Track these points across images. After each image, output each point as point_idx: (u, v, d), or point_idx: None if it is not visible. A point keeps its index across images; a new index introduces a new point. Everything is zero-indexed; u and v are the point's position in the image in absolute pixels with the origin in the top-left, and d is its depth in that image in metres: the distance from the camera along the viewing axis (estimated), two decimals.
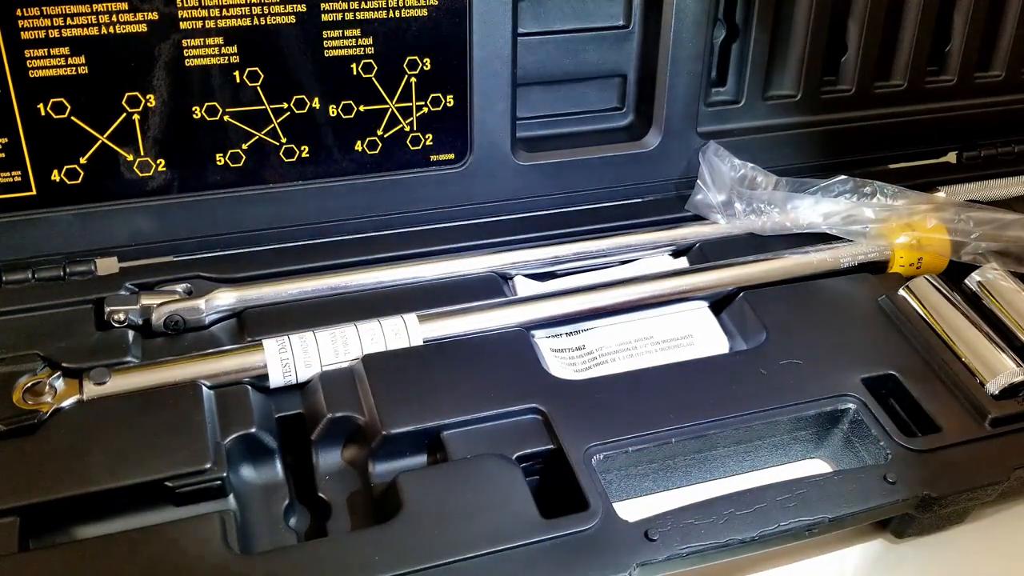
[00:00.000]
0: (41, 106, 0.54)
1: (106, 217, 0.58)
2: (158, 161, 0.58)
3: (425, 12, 0.59)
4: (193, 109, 0.57)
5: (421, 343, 0.55)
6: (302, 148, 0.61)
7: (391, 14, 0.59)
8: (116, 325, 0.55)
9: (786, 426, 0.54)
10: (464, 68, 0.61)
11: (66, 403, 0.49)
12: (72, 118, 0.55)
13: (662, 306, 0.61)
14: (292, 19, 0.57)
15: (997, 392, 0.55)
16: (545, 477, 0.51)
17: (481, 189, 0.66)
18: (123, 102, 0.56)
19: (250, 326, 0.56)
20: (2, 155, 0.55)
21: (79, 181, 0.57)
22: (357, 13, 0.58)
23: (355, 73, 0.60)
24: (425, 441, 0.50)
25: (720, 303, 0.62)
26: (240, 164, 0.60)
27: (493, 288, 0.61)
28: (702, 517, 0.47)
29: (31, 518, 0.45)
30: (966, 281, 0.63)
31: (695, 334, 0.61)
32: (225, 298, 0.57)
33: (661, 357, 0.59)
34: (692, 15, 0.65)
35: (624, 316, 0.60)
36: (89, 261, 0.58)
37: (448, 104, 0.62)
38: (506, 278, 0.63)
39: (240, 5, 0.56)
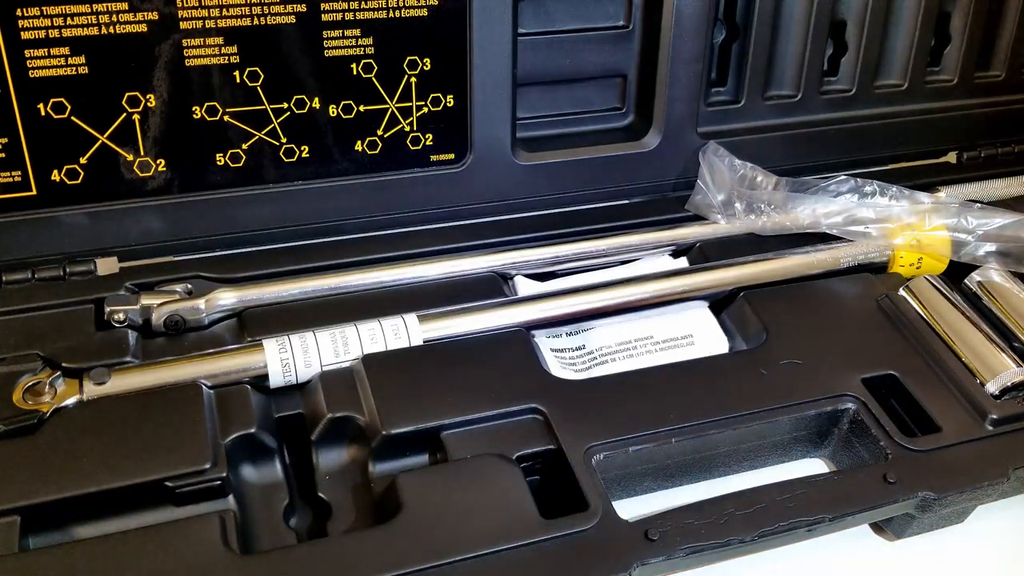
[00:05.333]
0: (41, 106, 0.54)
1: (106, 217, 0.58)
2: (158, 161, 0.58)
3: (425, 12, 0.59)
4: (193, 109, 0.57)
5: (421, 343, 0.55)
6: (302, 148, 0.61)
7: (391, 14, 0.59)
8: (116, 325, 0.55)
9: (786, 426, 0.54)
10: (464, 68, 0.61)
11: (66, 403, 0.49)
12: (72, 118, 0.55)
13: (662, 306, 0.61)
14: (292, 19, 0.57)
15: (997, 392, 0.55)
16: (545, 477, 0.51)
17: (481, 189, 0.66)
18: (123, 102, 0.56)
19: (250, 326, 0.56)
20: (2, 155, 0.55)
21: (79, 181, 0.57)
22: (357, 13, 0.58)
23: (355, 73, 0.60)
24: (425, 441, 0.50)
25: (720, 303, 0.62)
26: (240, 164, 0.60)
27: (493, 288, 0.61)
28: (702, 517, 0.47)
29: (31, 518, 0.45)
30: (966, 281, 0.63)
31: (695, 334, 0.61)
32: (225, 298, 0.57)
33: (661, 357, 0.59)
34: (692, 15, 0.65)
35: (624, 316, 0.60)
36: (89, 261, 0.58)
37: (448, 104, 0.62)
38: (506, 278, 0.63)
39: (240, 5, 0.56)
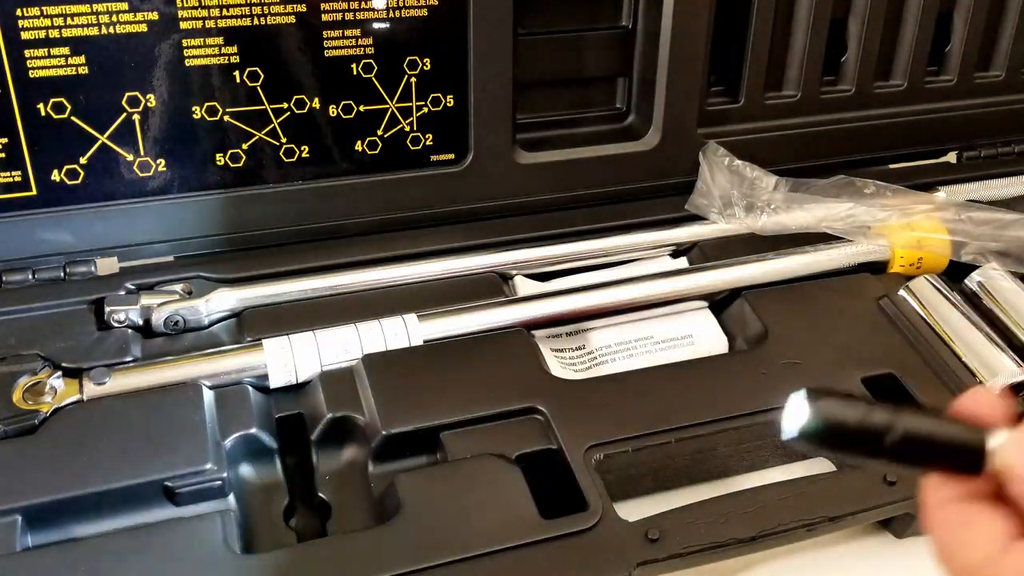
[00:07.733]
0: (41, 106, 0.54)
1: (106, 217, 0.58)
2: (158, 161, 0.58)
3: (425, 12, 0.59)
4: (193, 109, 0.57)
5: (421, 343, 0.55)
6: (302, 148, 0.61)
7: (391, 14, 0.59)
8: (116, 325, 0.55)
9: None
10: (464, 68, 0.61)
11: (66, 403, 0.49)
12: (72, 118, 0.55)
13: (662, 306, 0.61)
14: (292, 19, 0.57)
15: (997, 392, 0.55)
16: (545, 477, 0.50)
17: (481, 189, 0.65)
18: (123, 102, 0.56)
19: (250, 326, 0.56)
20: (2, 155, 0.55)
21: (79, 181, 0.57)
22: (357, 13, 0.58)
23: (355, 73, 0.60)
24: (425, 441, 0.50)
25: (720, 303, 0.62)
26: (240, 164, 0.60)
27: (493, 288, 0.61)
28: (702, 517, 0.47)
29: (31, 518, 0.44)
30: (966, 281, 0.63)
31: (695, 334, 0.61)
32: (225, 298, 0.57)
33: (661, 357, 0.59)
34: (692, 15, 0.64)
35: (624, 316, 0.60)
36: (89, 261, 0.58)
37: (448, 104, 0.62)
38: (506, 278, 0.63)
39: (240, 5, 0.56)
